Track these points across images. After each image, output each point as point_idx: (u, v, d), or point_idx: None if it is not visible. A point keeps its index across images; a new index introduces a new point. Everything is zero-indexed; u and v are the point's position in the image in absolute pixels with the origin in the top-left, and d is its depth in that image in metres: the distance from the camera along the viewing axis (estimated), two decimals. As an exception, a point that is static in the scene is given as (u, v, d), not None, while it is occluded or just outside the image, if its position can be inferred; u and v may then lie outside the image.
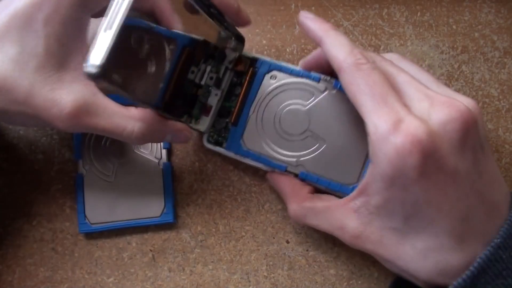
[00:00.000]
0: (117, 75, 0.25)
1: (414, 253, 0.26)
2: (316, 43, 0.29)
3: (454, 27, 0.37)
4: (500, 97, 0.36)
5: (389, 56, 0.30)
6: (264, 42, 0.37)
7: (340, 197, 0.29)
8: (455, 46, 0.37)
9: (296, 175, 0.32)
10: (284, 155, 0.32)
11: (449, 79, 0.36)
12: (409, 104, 0.26)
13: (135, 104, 0.28)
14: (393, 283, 0.32)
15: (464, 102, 0.25)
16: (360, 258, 0.34)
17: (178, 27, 0.30)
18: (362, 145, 0.30)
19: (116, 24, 0.22)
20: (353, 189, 0.30)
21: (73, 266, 0.34)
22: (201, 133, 0.34)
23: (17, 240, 0.34)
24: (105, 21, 0.22)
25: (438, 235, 0.25)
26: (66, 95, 0.26)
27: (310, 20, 0.29)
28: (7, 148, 0.35)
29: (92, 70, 0.22)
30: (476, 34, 0.37)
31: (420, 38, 0.37)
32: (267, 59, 0.33)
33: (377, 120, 0.25)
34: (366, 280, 0.33)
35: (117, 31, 0.22)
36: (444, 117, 0.24)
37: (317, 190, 0.32)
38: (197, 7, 0.29)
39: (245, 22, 0.31)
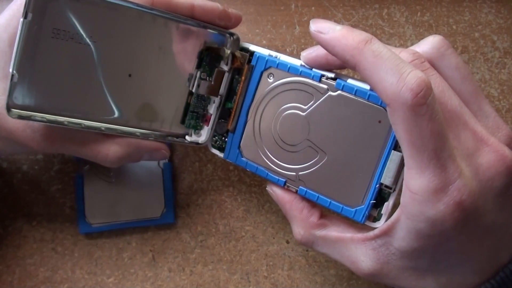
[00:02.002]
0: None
1: (436, 286, 0.25)
2: (346, 65, 0.23)
3: (454, 27, 0.37)
4: (500, 97, 0.36)
5: (424, 50, 0.25)
6: (264, 42, 0.37)
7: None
8: (455, 46, 0.37)
9: (295, 191, 0.29)
10: (283, 167, 0.29)
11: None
12: (454, 143, 0.23)
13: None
14: None
15: (506, 136, 0.24)
16: (360, 258, 0.34)
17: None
18: (367, 161, 0.26)
19: (15, 62, 0.23)
20: (356, 212, 0.27)
21: (73, 266, 0.34)
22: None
23: (17, 240, 0.34)
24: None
25: (464, 274, 0.24)
26: None
27: (331, 35, 0.23)
28: None
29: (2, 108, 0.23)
30: (476, 34, 0.37)
31: (420, 38, 0.37)
32: (264, 52, 0.29)
33: (425, 179, 0.22)
34: (366, 280, 0.33)
35: (16, 68, 0.23)
36: (491, 172, 0.23)
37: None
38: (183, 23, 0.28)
39: (236, 21, 0.29)
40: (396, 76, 0.21)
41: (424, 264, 0.24)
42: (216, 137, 0.31)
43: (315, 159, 0.28)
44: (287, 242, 0.34)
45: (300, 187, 0.28)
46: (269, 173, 0.29)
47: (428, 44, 0.25)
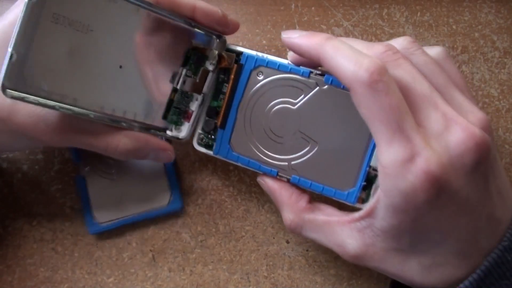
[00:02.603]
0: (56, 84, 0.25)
1: (419, 268, 0.25)
2: (314, 62, 0.26)
3: (454, 27, 0.37)
4: (500, 97, 0.36)
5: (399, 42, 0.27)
6: (264, 42, 0.37)
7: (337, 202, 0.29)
8: (455, 46, 0.37)
9: (288, 180, 0.30)
10: (274, 158, 0.30)
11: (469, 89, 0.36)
12: (425, 122, 0.24)
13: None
14: (392, 283, 0.32)
15: (478, 119, 0.24)
16: (360, 258, 0.34)
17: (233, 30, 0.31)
18: (357, 146, 0.28)
19: (13, 41, 0.23)
20: (349, 194, 0.29)
21: (73, 266, 0.34)
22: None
23: (17, 240, 0.34)
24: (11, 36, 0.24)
25: (445, 255, 0.25)
26: (52, 110, 0.26)
27: (298, 37, 0.26)
28: (3, 153, 0.35)
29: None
30: (476, 34, 0.37)
31: (420, 38, 0.37)
32: (252, 53, 0.30)
33: (392, 151, 0.23)
34: (366, 280, 0.33)
35: (13, 47, 0.23)
36: (460, 148, 0.23)
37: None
38: (176, 20, 0.29)
39: (234, 27, 0.31)
40: (353, 61, 0.23)
41: (406, 244, 0.25)
42: (203, 135, 0.32)
43: (307, 149, 0.29)
44: (287, 242, 0.34)
45: (292, 175, 0.29)
46: (261, 165, 0.30)
47: (397, 44, 0.26)
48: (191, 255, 0.34)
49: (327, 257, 0.34)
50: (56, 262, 0.34)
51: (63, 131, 0.27)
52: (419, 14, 0.37)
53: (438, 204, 0.23)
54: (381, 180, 0.24)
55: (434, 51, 0.27)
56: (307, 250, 0.34)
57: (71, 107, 0.27)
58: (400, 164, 0.23)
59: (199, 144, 0.32)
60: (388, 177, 0.23)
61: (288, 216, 0.29)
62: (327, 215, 0.28)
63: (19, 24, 0.23)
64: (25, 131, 0.27)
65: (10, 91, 0.24)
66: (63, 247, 0.34)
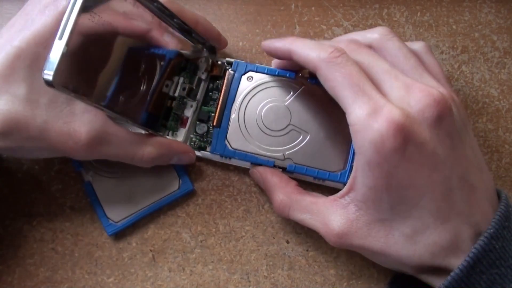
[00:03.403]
0: (85, 85, 0.26)
1: (403, 239, 0.26)
2: (288, 58, 0.29)
3: (454, 27, 0.37)
4: (500, 97, 0.36)
5: (372, 37, 0.30)
6: (264, 42, 0.37)
7: (330, 186, 0.32)
8: (455, 46, 0.37)
9: (284, 169, 0.32)
10: (270, 150, 0.32)
11: (449, 79, 0.36)
12: (388, 92, 0.26)
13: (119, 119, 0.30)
14: (392, 281, 0.32)
15: (440, 90, 0.26)
16: (360, 258, 0.34)
17: (173, 46, 0.33)
18: (344, 132, 0.31)
19: (66, 32, 0.23)
20: (341, 175, 0.31)
21: (73, 266, 0.34)
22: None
23: (17, 240, 0.34)
24: (59, 29, 0.24)
25: (422, 216, 0.26)
26: (79, 127, 0.28)
27: (273, 42, 0.30)
28: (29, 160, 0.35)
29: (48, 77, 0.23)
30: (476, 34, 0.37)
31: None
32: (242, 61, 0.34)
33: (357, 109, 0.25)
34: (366, 280, 0.33)
35: (67, 40, 0.23)
36: (420, 104, 0.25)
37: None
38: (172, 27, 0.31)
39: (224, 44, 0.35)
40: (317, 49, 0.27)
41: (386, 209, 0.26)
42: (195, 139, 0.34)
43: (299, 139, 0.32)
44: (287, 242, 0.34)
45: (288, 164, 0.32)
46: (258, 158, 0.32)
47: (376, 32, 0.30)
48: (191, 255, 0.34)
49: (327, 257, 0.34)
50: (56, 262, 0.34)
51: (91, 147, 0.28)
52: (419, 14, 0.37)
53: (406, 155, 0.25)
54: (353, 139, 0.26)
55: (416, 45, 0.30)
56: (307, 250, 0.34)
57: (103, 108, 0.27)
58: (365, 117, 0.25)
59: (192, 147, 0.34)
60: (357, 132, 0.26)
61: (278, 196, 0.31)
62: (314, 196, 0.30)
63: (73, 19, 0.23)
64: (56, 148, 0.28)
65: (57, 83, 0.24)
66: (63, 247, 0.34)
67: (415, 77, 0.27)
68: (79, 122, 0.28)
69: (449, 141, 0.26)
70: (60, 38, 0.23)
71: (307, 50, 0.28)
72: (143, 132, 0.32)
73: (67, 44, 0.23)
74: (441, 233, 0.26)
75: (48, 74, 0.23)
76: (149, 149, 0.31)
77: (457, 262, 0.25)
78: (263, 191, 0.35)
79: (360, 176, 0.26)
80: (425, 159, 0.25)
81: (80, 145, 0.28)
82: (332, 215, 0.28)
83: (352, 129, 0.26)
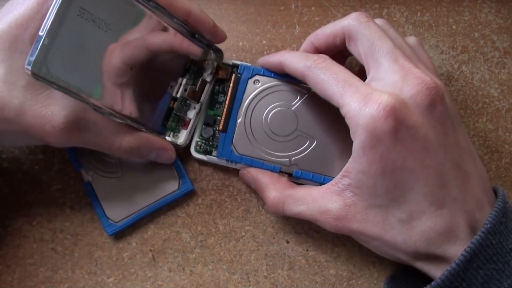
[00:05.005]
0: (77, 79, 0.27)
1: (400, 225, 0.27)
2: (281, 71, 0.31)
3: (454, 27, 0.37)
4: (500, 97, 0.36)
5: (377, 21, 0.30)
6: (264, 42, 0.37)
7: None
8: (455, 46, 0.37)
9: (290, 175, 0.32)
10: (276, 156, 0.32)
11: (449, 79, 0.36)
12: (383, 76, 0.27)
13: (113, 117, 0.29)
14: (390, 281, 0.32)
15: (433, 78, 0.27)
16: (360, 258, 0.34)
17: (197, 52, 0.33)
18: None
19: (47, 26, 0.24)
20: None
21: (73, 266, 0.34)
22: (187, 148, 0.34)
23: (17, 240, 0.34)
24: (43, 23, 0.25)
25: (418, 201, 0.26)
26: (58, 111, 0.27)
27: (266, 58, 0.32)
28: (7, 148, 0.35)
29: (28, 68, 0.24)
30: (476, 34, 0.37)
31: (420, 38, 0.37)
32: (248, 64, 0.33)
33: (348, 99, 0.26)
34: (366, 280, 0.33)
35: (46, 32, 0.24)
36: (413, 90, 0.26)
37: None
38: (176, 28, 0.31)
39: (222, 38, 0.33)
40: (303, 60, 0.29)
41: (382, 194, 0.26)
42: (201, 143, 0.34)
43: (306, 145, 0.32)
44: (287, 242, 0.34)
45: (295, 170, 0.32)
46: (264, 163, 0.32)
47: (352, 17, 0.30)
48: (191, 255, 0.34)
49: (327, 257, 0.34)
50: (56, 262, 0.34)
51: (69, 132, 0.27)
52: (419, 14, 0.37)
53: (398, 137, 0.25)
54: (349, 126, 0.27)
55: (409, 39, 0.31)
56: (307, 250, 0.34)
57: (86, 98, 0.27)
58: (357, 105, 0.26)
59: (197, 151, 0.34)
60: (351, 119, 0.26)
61: (271, 193, 0.31)
62: (307, 188, 0.30)
63: (55, 11, 0.24)
64: (31, 132, 0.27)
65: (37, 73, 0.25)
66: (63, 247, 0.34)
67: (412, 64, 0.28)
68: (57, 106, 0.27)
69: (441, 127, 0.26)
70: (42, 31, 0.24)
71: (295, 61, 0.30)
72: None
73: (48, 35, 0.24)
74: (437, 219, 0.26)
75: (29, 63, 0.24)
76: (128, 139, 0.30)
77: (452, 250, 0.26)
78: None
79: (354, 162, 0.27)
80: (418, 143, 0.26)
81: (57, 129, 0.27)
82: (329, 202, 0.28)
83: (346, 120, 0.27)
